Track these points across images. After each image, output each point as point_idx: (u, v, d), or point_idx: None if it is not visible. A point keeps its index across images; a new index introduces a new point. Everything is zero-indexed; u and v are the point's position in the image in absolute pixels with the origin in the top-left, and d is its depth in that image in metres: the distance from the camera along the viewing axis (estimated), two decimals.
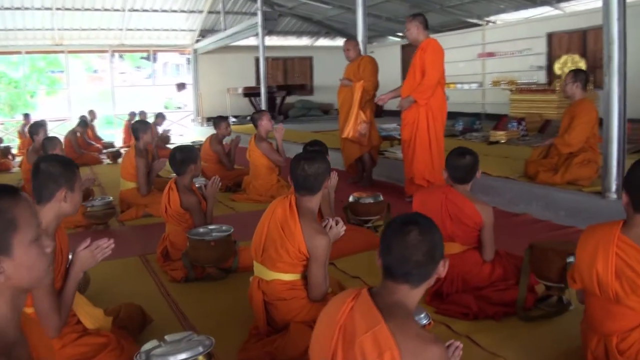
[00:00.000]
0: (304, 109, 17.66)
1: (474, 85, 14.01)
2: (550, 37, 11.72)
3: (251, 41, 16.10)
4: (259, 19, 11.32)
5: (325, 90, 18.49)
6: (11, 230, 1.23)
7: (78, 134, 10.21)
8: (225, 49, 15.60)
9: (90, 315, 2.49)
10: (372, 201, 4.58)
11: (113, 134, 14.61)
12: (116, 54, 15.82)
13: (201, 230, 3.69)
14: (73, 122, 13.53)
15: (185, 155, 3.85)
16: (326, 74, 18.53)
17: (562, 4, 11.45)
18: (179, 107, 19.36)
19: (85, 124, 10.87)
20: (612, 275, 2.07)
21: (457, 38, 14.53)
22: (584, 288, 2.22)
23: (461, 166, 3.15)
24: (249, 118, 16.38)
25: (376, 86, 6.73)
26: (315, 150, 2.85)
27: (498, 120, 11.14)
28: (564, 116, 5.23)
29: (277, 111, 16.43)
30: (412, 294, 1.61)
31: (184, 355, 2.02)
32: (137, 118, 12.65)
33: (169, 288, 3.54)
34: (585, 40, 10.91)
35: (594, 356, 2.15)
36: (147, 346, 2.12)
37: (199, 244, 3.54)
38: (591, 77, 10.25)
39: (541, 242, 3.11)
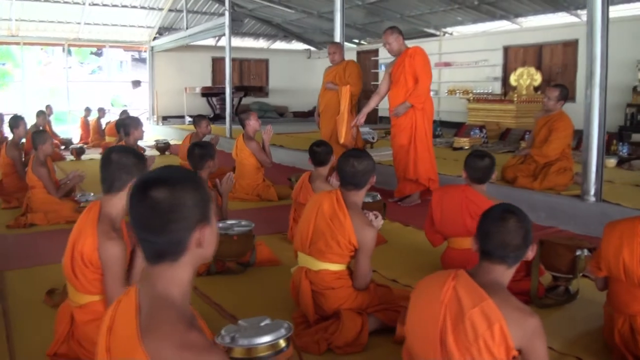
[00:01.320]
0: (260, 110, 17.74)
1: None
2: (506, 50, 12.38)
3: (208, 41, 16.08)
4: (226, 19, 11.34)
5: (281, 93, 18.67)
6: (209, 202, 1.37)
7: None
8: (182, 47, 15.52)
9: None
10: (370, 200, 4.80)
11: (66, 129, 14.21)
12: (62, 49, 15.36)
13: (221, 225, 3.81)
14: (28, 117, 13.08)
15: (204, 151, 3.95)
16: (282, 77, 18.74)
17: (519, 19, 12.12)
18: (125, 105, 19.01)
19: (45, 118, 10.58)
20: (637, 262, 2.38)
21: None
22: (609, 275, 2.53)
23: (480, 167, 3.43)
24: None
25: (361, 90, 6.96)
26: (359, 149, 3.04)
27: (454, 127, 11.67)
28: (541, 128, 5.60)
29: (235, 112, 16.48)
30: (507, 274, 1.85)
31: (268, 338, 2.14)
32: (92, 114, 12.44)
33: (195, 281, 3.63)
34: (541, 55, 11.60)
35: (620, 334, 2.46)
36: (226, 329, 2.24)
37: (223, 238, 3.63)
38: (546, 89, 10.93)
39: (549, 238, 3.43)
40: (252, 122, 6.35)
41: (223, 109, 16.44)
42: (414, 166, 5.69)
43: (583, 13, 10.74)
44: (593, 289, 3.35)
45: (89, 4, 13.11)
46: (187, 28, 13.50)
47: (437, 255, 3.96)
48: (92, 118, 12.19)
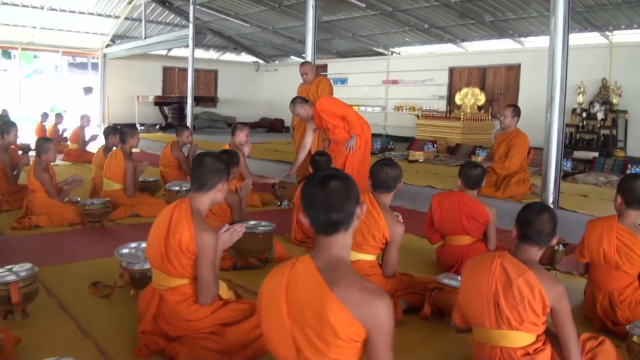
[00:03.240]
0: (210, 120, 18.02)
1: (377, 109, 15.36)
2: (452, 71, 13.38)
3: (160, 50, 16.24)
4: (190, 32, 11.68)
5: (229, 104, 19.00)
6: None
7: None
8: (134, 55, 15.62)
9: (221, 287, 3.02)
10: None
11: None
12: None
13: (245, 225, 4.24)
14: None
15: (231, 158, 4.39)
16: (230, 88, 19.10)
17: (464, 43, 13.14)
18: (64, 111, 18.68)
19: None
20: (614, 251, 3.08)
21: (363, 64, 15.92)
22: (591, 261, 3.22)
23: (473, 175, 4.08)
24: (158, 127, 16.50)
25: None
26: (389, 159, 3.58)
27: (402, 141, 12.49)
28: (500, 143, 6.32)
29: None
30: (538, 254, 2.45)
31: None
32: (49, 119, 12.38)
33: (222, 275, 4.05)
34: (485, 76, 12.65)
35: (601, 307, 3.14)
36: None
37: (249, 237, 4.06)
38: (489, 108, 11.96)
39: None
40: (241, 136, 6.72)
41: (175, 118, 16.62)
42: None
43: (526, 40, 11.93)
44: (565, 277, 4.07)
45: (47, 9, 13.04)
46: (145, 37, 13.65)
47: (425, 252, 4.58)
48: (49, 123, 12.13)
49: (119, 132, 6.50)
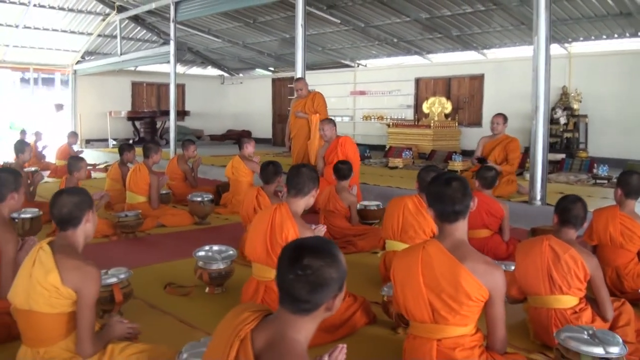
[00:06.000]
0: (180, 134, 18.18)
1: (346, 119, 16.05)
2: (418, 81, 14.23)
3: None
4: (171, 48, 12.05)
5: (197, 117, 19.27)
6: None
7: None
8: (104, 72, 15.77)
9: None
10: (376, 208, 6.02)
11: None
12: None
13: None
14: None
15: (277, 169, 4.89)
16: (197, 101, 19.39)
17: (430, 55, 14.02)
18: (23, 129, 18.51)
19: None
20: (619, 234, 3.81)
21: (330, 76, 16.58)
22: (599, 243, 3.94)
23: (489, 177, 4.77)
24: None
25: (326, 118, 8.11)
26: (431, 166, 4.21)
27: (371, 149, 13.19)
28: (493, 148, 7.06)
29: (159, 135, 17.00)
30: (575, 235, 3.13)
31: None
32: (28, 137, 12.47)
33: None
34: (450, 86, 13.56)
35: (610, 279, 3.86)
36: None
37: None
38: (456, 116, 12.86)
39: (538, 227, 4.84)
40: (249, 148, 7.25)
41: (147, 132, 16.85)
42: None
43: (489, 52, 12.90)
44: None
45: (22, 27, 13.13)
46: (120, 54, 13.89)
47: None
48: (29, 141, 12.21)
49: (133, 149, 6.94)
